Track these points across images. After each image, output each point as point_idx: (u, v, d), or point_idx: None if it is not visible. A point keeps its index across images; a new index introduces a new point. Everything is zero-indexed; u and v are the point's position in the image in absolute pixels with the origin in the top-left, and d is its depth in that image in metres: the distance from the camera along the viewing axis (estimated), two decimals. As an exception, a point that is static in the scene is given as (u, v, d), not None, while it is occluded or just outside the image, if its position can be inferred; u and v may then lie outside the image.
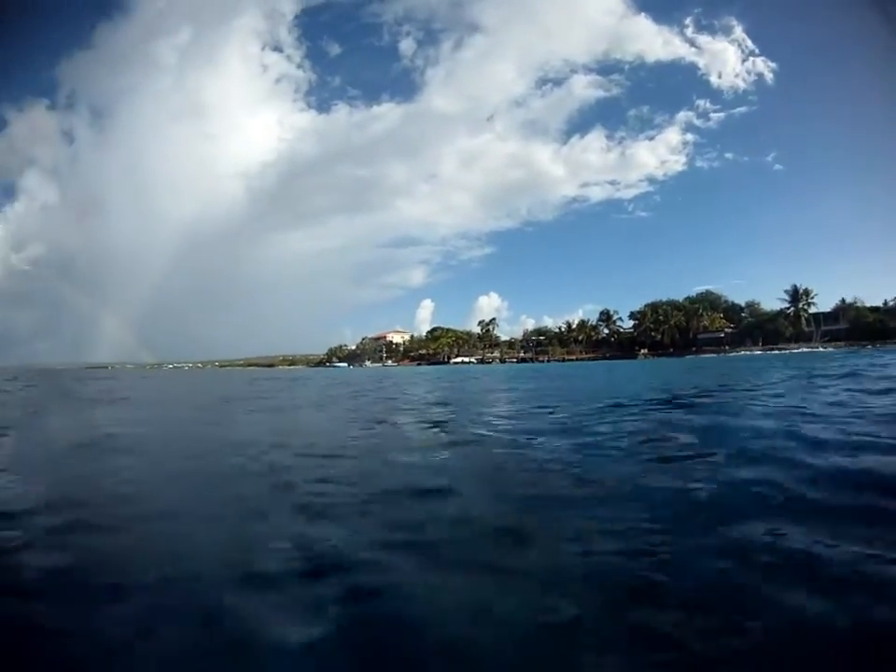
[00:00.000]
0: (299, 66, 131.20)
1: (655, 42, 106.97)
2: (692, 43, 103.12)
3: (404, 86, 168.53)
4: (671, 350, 76.18)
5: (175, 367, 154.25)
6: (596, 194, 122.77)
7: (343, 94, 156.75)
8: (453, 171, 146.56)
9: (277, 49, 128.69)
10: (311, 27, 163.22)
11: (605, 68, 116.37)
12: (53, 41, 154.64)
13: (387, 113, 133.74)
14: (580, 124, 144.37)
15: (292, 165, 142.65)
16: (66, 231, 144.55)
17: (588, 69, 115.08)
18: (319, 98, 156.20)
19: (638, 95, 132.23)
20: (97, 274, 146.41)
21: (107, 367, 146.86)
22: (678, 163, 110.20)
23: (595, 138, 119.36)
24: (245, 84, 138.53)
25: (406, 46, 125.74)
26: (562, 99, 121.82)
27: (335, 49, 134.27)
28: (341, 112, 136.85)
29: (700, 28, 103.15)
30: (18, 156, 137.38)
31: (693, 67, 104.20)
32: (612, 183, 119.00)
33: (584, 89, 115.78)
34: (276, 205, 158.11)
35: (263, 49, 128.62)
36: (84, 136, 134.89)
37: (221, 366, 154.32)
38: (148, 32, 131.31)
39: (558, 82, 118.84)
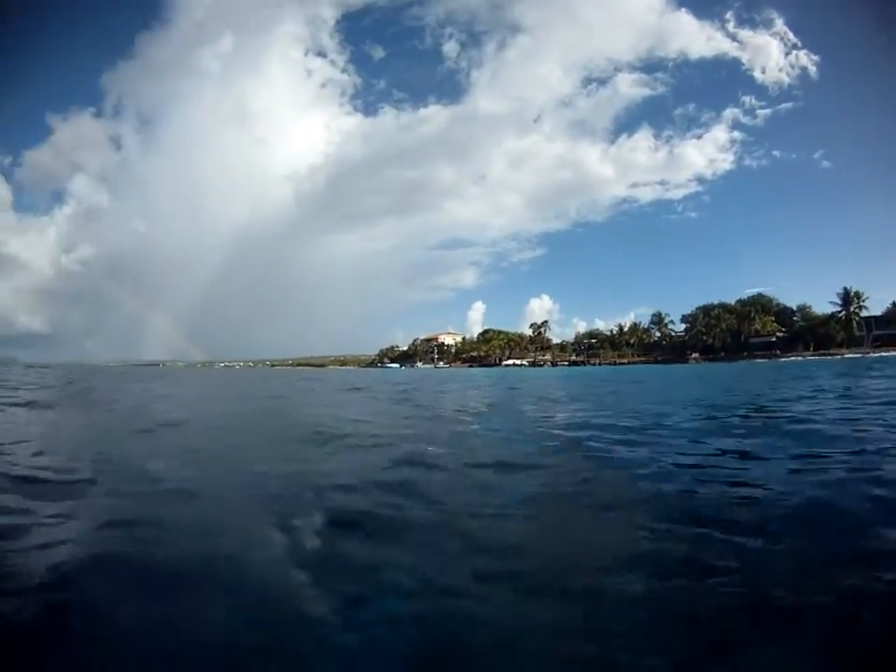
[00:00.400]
0: (343, 71, 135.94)
1: (698, 38, 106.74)
2: (733, 38, 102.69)
3: (450, 88, 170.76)
4: (722, 354, 76.77)
5: (225, 365, 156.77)
6: (646, 195, 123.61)
7: (388, 97, 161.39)
8: (501, 172, 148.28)
9: (321, 54, 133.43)
10: (352, 32, 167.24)
11: (649, 66, 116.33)
12: (95, 52, 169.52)
13: (434, 115, 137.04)
14: (627, 123, 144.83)
15: (340, 168, 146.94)
16: (116, 233, 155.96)
17: (632, 67, 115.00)
18: (365, 101, 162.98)
19: (684, 93, 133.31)
20: (147, 275, 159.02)
21: (158, 364, 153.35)
22: (726, 162, 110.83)
23: (643, 137, 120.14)
24: (290, 89, 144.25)
25: (449, 48, 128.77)
26: (608, 98, 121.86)
27: (378, 53, 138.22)
28: (387, 115, 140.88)
29: (741, 22, 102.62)
30: (65, 162, 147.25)
31: (736, 63, 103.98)
32: (661, 183, 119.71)
33: (629, 87, 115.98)
34: (326, 207, 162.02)
35: (306, 54, 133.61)
36: (132, 142, 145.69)
37: (272, 365, 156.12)
38: (190, 41, 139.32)
39: (603, 81, 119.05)
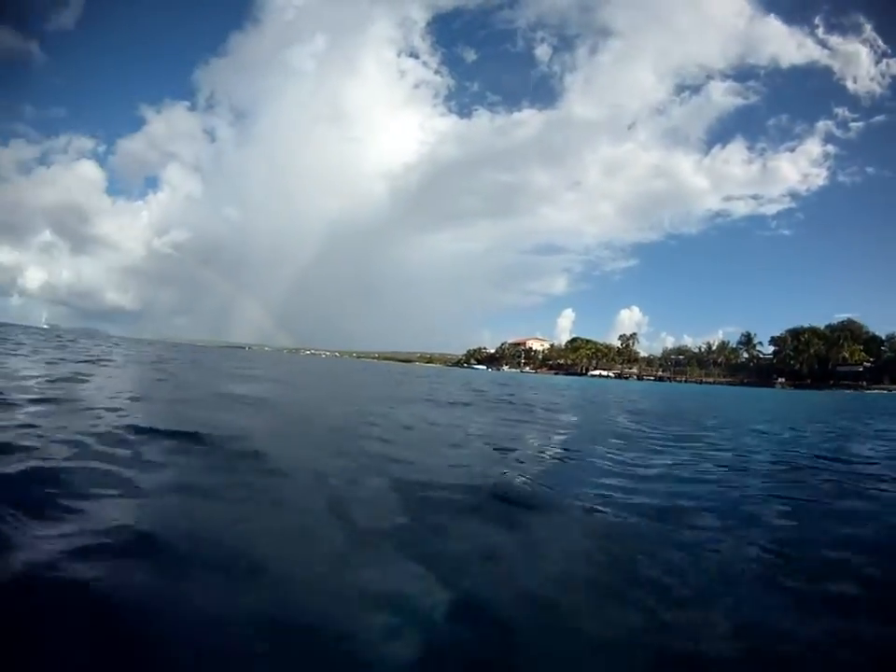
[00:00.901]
0: (436, 72, 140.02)
1: (788, 44, 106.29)
2: (823, 44, 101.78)
3: (544, 92, 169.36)
4: (808, 381, 76.48)
5: (312, 353, 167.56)
6: (739, 209, 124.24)
7: (482, 100, 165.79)
8: (596, 179, 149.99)
9: (413, 55, 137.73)
10: (444, 34, 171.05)
11: (741, 74, 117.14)
12: (188, 48, 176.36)
13: (529, 119, 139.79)
14: (720, 133, 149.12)
15: (434, 167, 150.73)
16: (210, 219, 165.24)
17: (724, 75, 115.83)
18: (459, 103, 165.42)
19: (776, 103, 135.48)
20: (240, 261, 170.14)
21: (245, 347, 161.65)
22: (819, 177, 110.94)
23: (737, 149, 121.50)
24: (383, 89, 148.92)
25: (542, 52, 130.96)
26: (701, 107, 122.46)
27: (471, 56, 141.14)
28: (482, 117, 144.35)
29: (830, 28, 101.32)
30: (159, 151, 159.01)
31: (827, 71, 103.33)
32: (755, 198, 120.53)
33: (722, 96, 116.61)
34: (420, 206, 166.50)
35: (399, 55, 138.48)
36: (226, 135, 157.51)
37: (358, 357, 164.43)
38: (282, 40, 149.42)
39: (696, 89, 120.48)
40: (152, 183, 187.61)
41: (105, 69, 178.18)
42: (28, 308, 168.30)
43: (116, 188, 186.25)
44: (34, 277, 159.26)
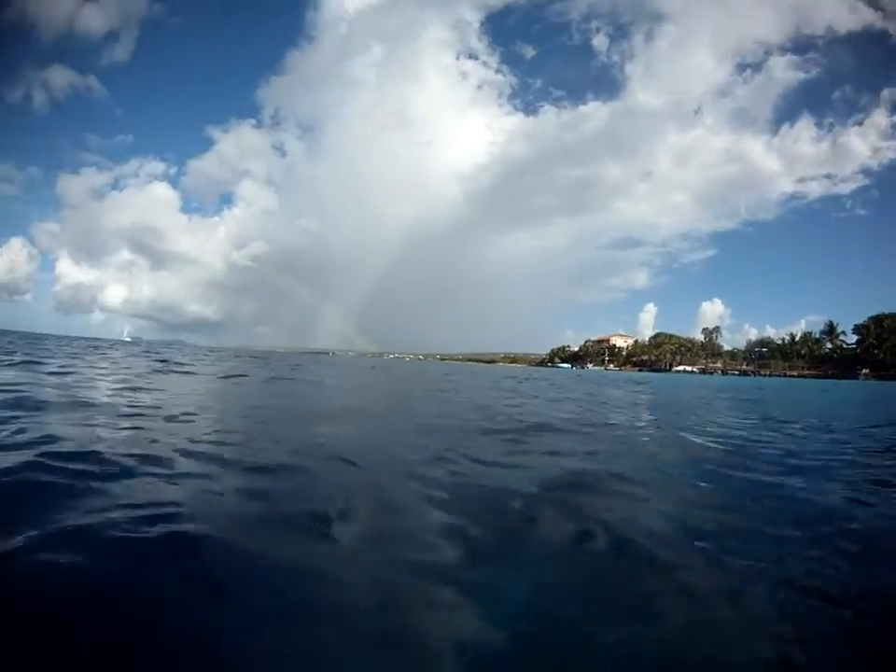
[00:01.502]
0: (497, 71, 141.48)
1: (840, 10, 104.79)
2: (875, 6, 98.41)
3: (606, 83, 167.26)
4: (893, 372, 73.05)
5: (396, 357, 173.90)
6: (814, 190, 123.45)
7: (547, 95, 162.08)
8: (668, 169, 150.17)
9: (472, 56, 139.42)
10: (499, 33, 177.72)
11: (799, 46, 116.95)
12: (247, 70, 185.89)
13: (595, 112, 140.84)
14: (786, 111, 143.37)
15: (506, 167, 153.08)
16: (288, 231, 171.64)
17: (783, 49, 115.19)
18: (524, 101, 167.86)
19: (839, 74, 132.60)
20: (318, 268, 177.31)
21: (328, 353, 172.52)
22: (890, 150, 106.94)
23: (805, 126, 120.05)
24: (447, 92, 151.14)
25: (599, 42, 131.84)
26: (764, 85, 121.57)
27: (529, 52, 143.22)
28: (548, 113, 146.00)
29: None
30: (230, 169, 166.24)
31: (884, 36, 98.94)
32: (828, 177, 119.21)
33: (783, 71, 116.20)
34: (495, 206, 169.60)
35: (458, 57, 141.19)
36: (295, 149, 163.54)
37: (442, 359, 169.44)
38: (339, 53, 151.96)
39: (756, 67, 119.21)
40: (227, 199, 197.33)
41: (166, 96, 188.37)
42: (110, 323, 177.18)
43: (190, 206, 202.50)
44: (114, 294, 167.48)
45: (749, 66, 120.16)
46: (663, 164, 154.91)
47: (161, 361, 17.62)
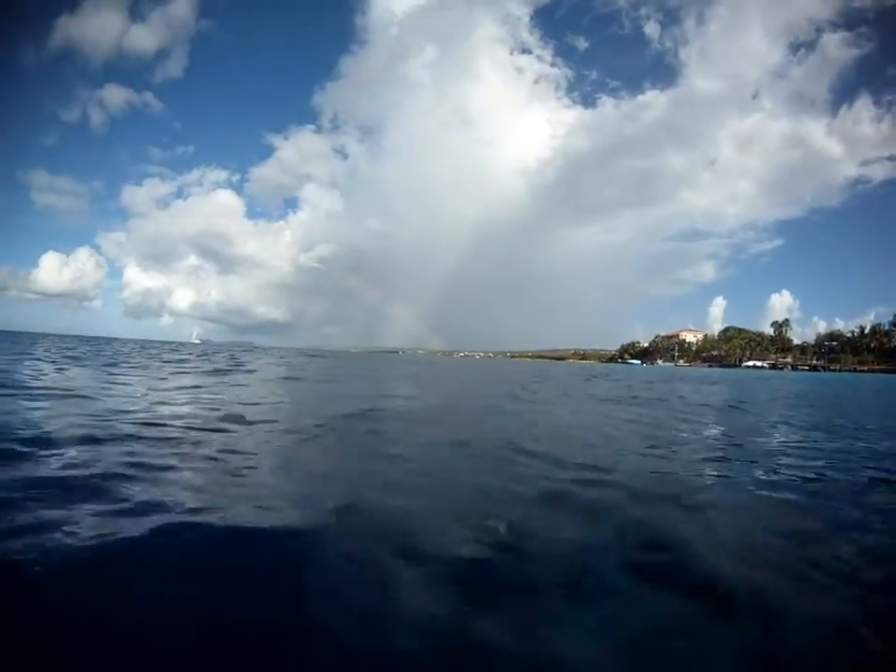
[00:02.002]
0: (552, 64, 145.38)
1: None
2: None
3: (662, 71, 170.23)
4: None
5: (465, 355, 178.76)
6: (877, 173, 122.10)
7: (604, 87, 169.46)
8: (731, 156, 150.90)
9: (525, 50, 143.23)
10: (550, 26, 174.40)
11: (849, 20, 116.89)
12: (303, 77, 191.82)
13: (653, 101, 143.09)
14: (843, 91, 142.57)
15: (569, 161, 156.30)
16: (354, 232, 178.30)
17: (834, 25, 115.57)
18: (582, 93, 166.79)
19: (891, 48, 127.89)
20: (385, 268, 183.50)
21: (398, 352, 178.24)
22: None
23: (863, 106, 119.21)
24: (504, 89, 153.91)
25: (650, 29, 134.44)
26: (819, 64, 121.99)
27: (582, 44, 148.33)
28: (607, 104, 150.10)
29: None
30: (292, 174, 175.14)
31: None
32: (891, 159, 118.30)
33: (837, 49, 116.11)
34: (561, 201, 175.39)
35: (511, 53, 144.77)
36: (357, 151, 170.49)
37: (511, 356, 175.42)
38: (392, 56, 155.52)
39: (810, 46, 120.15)
40: (291, 203, 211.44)
41: (224, 107, 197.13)
42: (179, 326, 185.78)
43: (255, 211, 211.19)
44: (182, 298, 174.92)
45: (802, 46, 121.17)
46: (725, 152, 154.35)
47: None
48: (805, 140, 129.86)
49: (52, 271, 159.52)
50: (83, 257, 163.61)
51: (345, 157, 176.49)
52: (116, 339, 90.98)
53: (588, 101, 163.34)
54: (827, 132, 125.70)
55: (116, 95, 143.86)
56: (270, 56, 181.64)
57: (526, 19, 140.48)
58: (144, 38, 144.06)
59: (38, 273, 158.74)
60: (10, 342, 31.84)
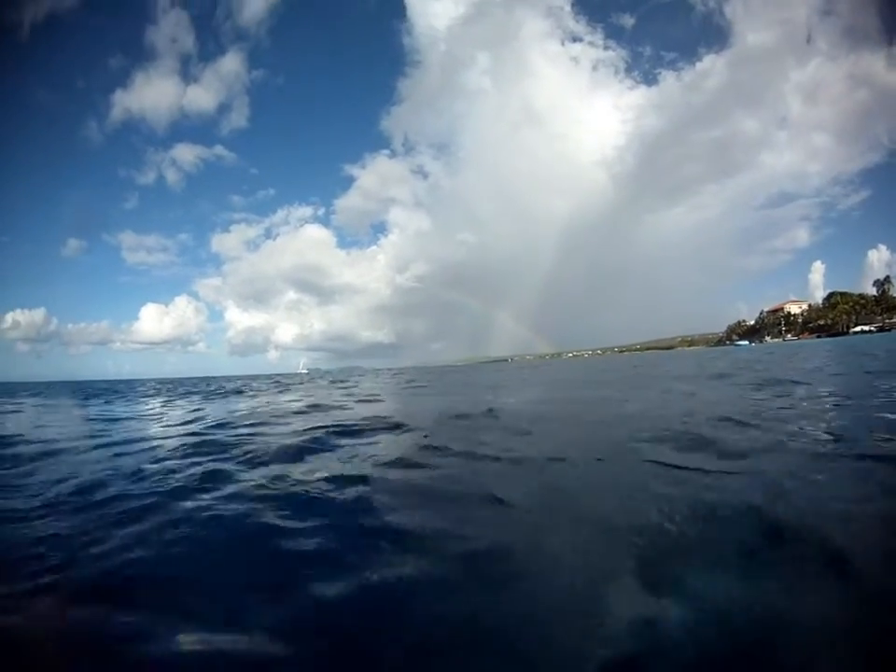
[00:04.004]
0: (605, 48, 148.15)
1: None
2: None
3: (713, 32, 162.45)
4: None
5: (574, 355, 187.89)
6: None
7: (660, 61, 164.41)
8: (800, 109, 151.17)
9: (576, 39, 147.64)
10: (592, 10, 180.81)
11: None
12: (365, 107, 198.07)
13: (712, 66, 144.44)
14: (894, 16, 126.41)
15: (645, 143, 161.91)
16: (445, 247, 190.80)
17: None
18: (641, 71, 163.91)
19: None
20: (483, 279, 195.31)
21: (506, 360, 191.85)
22: None
23: None
24: (565, 80, 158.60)
25: None
26: None
27: (628, 21, 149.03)
28: (668, 79, 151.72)
29: None
30: (375, 200, 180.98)
31: None
32: None
33: None
34: (644, 185, 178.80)
35: (563, 44, 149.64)
36: (435, 168, 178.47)
37: (620, 351, 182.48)
38: (447, 70, 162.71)
39: None
40: (379, 228, 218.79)
41: (295, 147, 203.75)
42: (286, 358, 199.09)
43: (346, 241, 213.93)
44: (286, 332, 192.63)
45: None
46: (794, 107, 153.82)
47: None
48: (868, 77, 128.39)
49: (153, 320, 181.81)
50: (182, 304, 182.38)
51: (425, 176, 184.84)
52: (231, 377, 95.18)
53: (649, 78, 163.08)
54: (887, 63, 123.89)
55: (187, 153, 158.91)
56: (328, 93, 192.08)
57: (568, 7, 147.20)
58: (201, 97, 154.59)
59: (140, 325, 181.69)
60: (127, 388, 34.16)
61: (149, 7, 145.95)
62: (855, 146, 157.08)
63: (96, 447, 5.95)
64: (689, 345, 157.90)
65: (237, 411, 10.42)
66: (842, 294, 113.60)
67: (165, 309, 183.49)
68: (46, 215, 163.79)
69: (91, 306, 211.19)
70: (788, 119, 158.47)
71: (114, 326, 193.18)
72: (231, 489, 3.52)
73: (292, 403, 11.72)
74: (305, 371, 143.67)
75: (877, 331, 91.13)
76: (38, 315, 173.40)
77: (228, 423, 7.69)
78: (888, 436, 4.25)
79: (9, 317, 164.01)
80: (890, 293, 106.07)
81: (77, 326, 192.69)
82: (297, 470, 4.04)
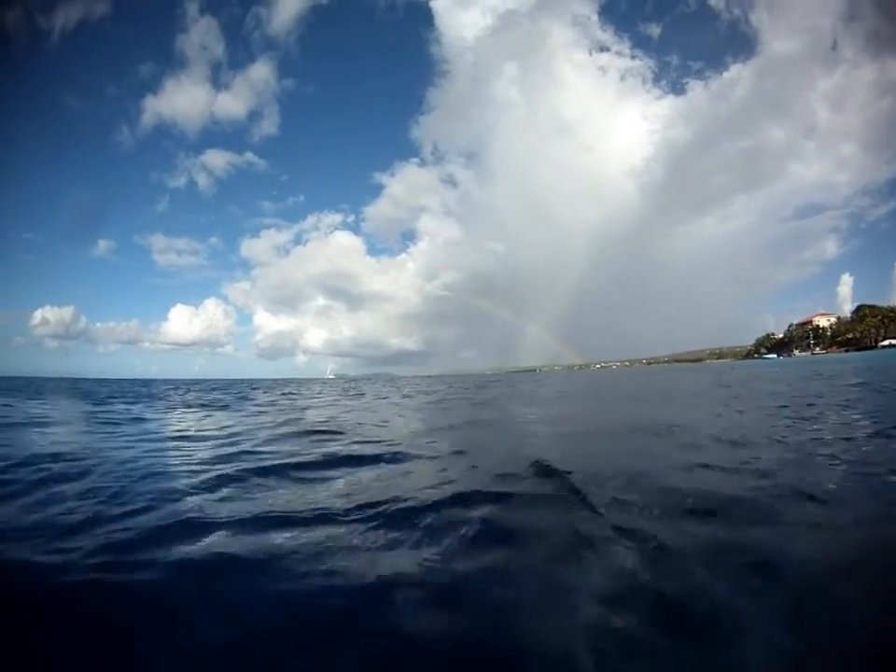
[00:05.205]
0: (633, 57, 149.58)
1: None
2: None
3: (739, 41, 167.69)
4: None
5: (602, 366, 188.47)
6: None
7: (688, 71, 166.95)
8: (827, 118, 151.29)
9: (603, 48, 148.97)
10: (618, 19, 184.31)
11: None
12: (394, 116, 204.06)
13: (739, 75, 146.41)
14: None
15: (673, 154, 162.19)
16: (476, 256, 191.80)
17: None
18: (668, 81, 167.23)
19: None
20: (512, 288, 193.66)
21: (535, 370, 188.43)
22: None
23: None
24: (593, 90, 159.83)
25: (715, 0, 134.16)
26: None
27: (654, 30, 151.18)
28: (695, 89, 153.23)
29: None
30: (405, 208, 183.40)
31: None
32: None
33: None
34: (673, 196, 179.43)
35: (590, 53, 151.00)
36: (465, 177, 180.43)
37: (648, 363, 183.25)
38: (476, 80, 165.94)
39: None
40: (408, 236, 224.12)
41: (324, 154, 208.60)
42: (313, 363, 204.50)
43: (375, 248, 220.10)
44: (315, 337, 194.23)
45: None
46: (821, 114, 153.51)
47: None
48: (893, 83, 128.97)
49: (182, 322, 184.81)
50: (211, 307, 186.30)
51: (454, 184, 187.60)
52: (259, 380, 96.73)
53: (677, 88, 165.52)
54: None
55: (218, 159, 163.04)
56: (357, 101, 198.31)
57: (594, 17, 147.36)
58: (232, 104, 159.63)
59: (169, 326, 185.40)
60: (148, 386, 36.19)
61: (179, 15, 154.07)
62: (882, 154, 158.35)
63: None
64: (717, 358, 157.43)
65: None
66: (870, 307, 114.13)
67: (195, 311, 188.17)
68: (78, 215, 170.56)
69: (121, 306, 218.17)
70: (815, 127, 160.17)
71: (143, 326, 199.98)
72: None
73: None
74: (332, 377, 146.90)
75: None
76: (67, 312, 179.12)
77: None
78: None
79: (39, 314, 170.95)
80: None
81: (105, 324, 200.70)
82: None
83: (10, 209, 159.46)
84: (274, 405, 15.27)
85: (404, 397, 20.15)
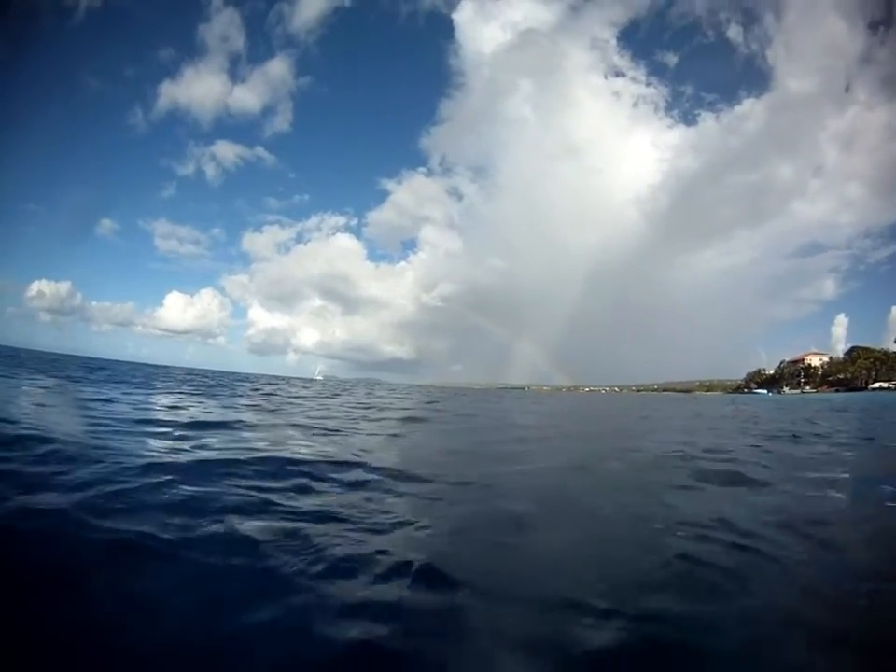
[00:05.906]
0: (647, 84, 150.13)
1: None
2: None
3: (754, 76, 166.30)
4: None
5: (590, 390, 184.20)
6: None
7: (700, 102, 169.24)
8: (836, 158, 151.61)
9: (619, 73, 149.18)
10: (636, 45, 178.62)
11: None
12: (406, 124, 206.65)
13: (751, 110, 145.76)
14: None
15: (679, 183, 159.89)
16: (474, 270, 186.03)
17: None
18: (681, 110, 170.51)
19: None
20: (509, 305, 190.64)
21: (523, 388, 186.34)
22: None
23: None
24: (605, 114, 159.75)
25: (733, 33, 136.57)
26: None
27: (671, 59, 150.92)
28: (707, 120, 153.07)
29: None
30: (409, 216, 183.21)
31: None
32: None
33: None
34: (676, 225, 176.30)
35: (606, 77, 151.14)
36: (470, 191, 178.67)
37: (637, 390, 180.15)
38: (490, 95, 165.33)
39: (887, 22, 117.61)
40: (409, 245, 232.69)
41: (333, 155, 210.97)
42: (303, 363, 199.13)
43: (375, 254, 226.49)
44: (308, 337, 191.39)
45: (880, 24, 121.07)
46: (829, 155, 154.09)
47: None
48: None
49: (177, 309, 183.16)
50: (207, 297, 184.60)
51: (460, 197, 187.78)
52: (248, 374, 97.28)
53: (689, 118, 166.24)
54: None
55: (228, 151, 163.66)
56: (370, 106, 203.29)
57: (613, 41, 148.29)
58: (247, 97, 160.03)
59: (164, 311, 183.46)
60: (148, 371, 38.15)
61: (203, 4, 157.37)
62: (888, 198, 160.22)
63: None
64: (707, 391, 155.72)
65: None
66: (863, 349, 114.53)
67: (190, 299, 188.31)
68: (83, 192, 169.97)
69: (118, 287, 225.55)
70: (823, 166, 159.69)
71: (138, 309, 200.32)
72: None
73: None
74: (320, 378, 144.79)
75: (895, 388, 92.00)
76: (64, 287, 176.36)
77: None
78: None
79: (35, 286, 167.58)
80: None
81: (101, 304, 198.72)
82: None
83: (15, 179, 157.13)
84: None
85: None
